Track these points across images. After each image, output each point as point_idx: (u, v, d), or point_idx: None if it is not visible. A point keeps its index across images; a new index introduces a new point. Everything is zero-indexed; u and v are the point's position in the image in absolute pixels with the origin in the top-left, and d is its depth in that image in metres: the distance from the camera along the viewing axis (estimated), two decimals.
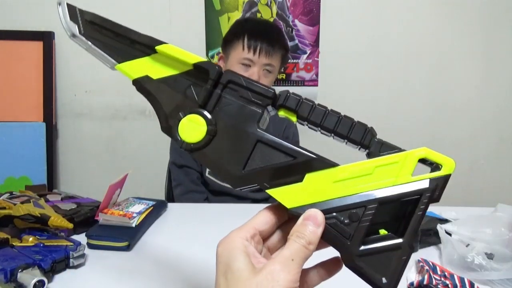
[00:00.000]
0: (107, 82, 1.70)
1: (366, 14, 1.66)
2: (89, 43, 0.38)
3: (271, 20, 1.66)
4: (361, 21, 1.67)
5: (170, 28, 1.65)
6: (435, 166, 0.33)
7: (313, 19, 1.66)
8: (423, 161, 0.33)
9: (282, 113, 0.36)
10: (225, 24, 1.64)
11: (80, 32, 0.38)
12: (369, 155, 0.34)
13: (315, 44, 1.68)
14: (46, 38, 1.65)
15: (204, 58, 0.36)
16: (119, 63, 0.38)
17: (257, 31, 1.14)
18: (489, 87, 1.69)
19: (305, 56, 1.69)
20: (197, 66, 0.36)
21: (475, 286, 0.57)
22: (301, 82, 1.70)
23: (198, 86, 0.36)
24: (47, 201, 0.81)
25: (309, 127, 0.36)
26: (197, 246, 0.73)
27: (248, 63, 1.14)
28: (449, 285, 0.57)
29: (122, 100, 1.71)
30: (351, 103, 1.69)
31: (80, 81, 1.70)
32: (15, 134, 1.65)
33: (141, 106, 1.72)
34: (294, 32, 1.67)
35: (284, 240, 0.36)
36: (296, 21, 1.66)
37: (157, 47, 0.36)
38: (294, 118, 0.36)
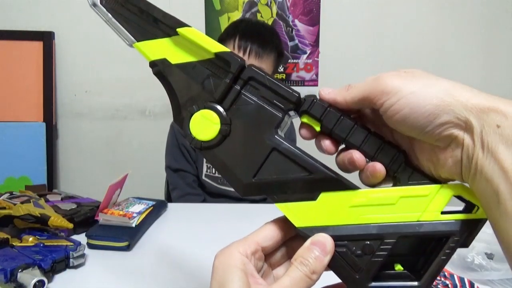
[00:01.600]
0: (107, 82, 1.70)
1: (366, 14, 1.66)
2: (109, 15, 0.35)
3: (271, 20, 1.66)
4: (361, 21, 1.67)
5: None
6: (469, 206, 0.29)
7: (313, 19, 1.66)
8: (458, 197, 0.30)
9: (305, 120, 0.33)
10: (225, 24, 1.63)
11: (101, 2, 0.35)
12: (396, 183, 0.31)
13: (315, 44, 1.68)
14: (46, 38, 1.65)
15: (227, 48, 0.33)
16: (138, 41, 0.35)
17: (249, 32, 1.12)
18: (489, 86, 1.69)
19: (305, 56, 1.69)
20: (219, 56, 0.33)
21: (475, 286, 0.57)
22: (301, 82, 1.70)
23: (218, 78, 0.33)
24: (47, 201, 0.81)
25: (332, 138, 0.33)
26: (197, 246, 0.73)
27: None
28: (449, 285, 0.57)
29: (122, 100, 1.71)
30: None
31: (80, 81, 1.70)
32: (15, 134, 1.65)
33: (141, 106, 1.72)
34: (294, 32, 1.67)
35: (288, 256, 0.34)
36: (296, 21, 1.66)
37: (179, 30, 0.33)
38: (318, 127, 0.33)
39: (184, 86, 0.34)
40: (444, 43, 1.67)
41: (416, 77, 0.29)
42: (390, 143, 0.31)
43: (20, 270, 0.56)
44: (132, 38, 0.35)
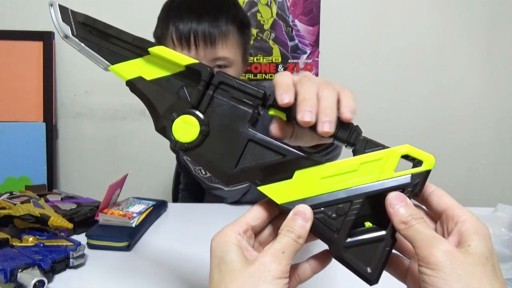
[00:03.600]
0: (107, 82, 1.70)
1: (366, 14, 1.66)
2: (82, 44, 0.38)
3: (271, 20, 1.66)
4: (361, 21, 1.67)
5: None
6: (416, 162, 0.35)
7: (313, 19, 1.66)
8: (406, 157, 0.35)
9: (272, 113, 0.37)
10: None
11: (72, 34, 0.38)
12: (355, 152, 0.36)
13: (315, 44, 1.68)
14: (46, 38, 1.64)
15: (195, 60, 0.37)
16: (112, 64, 0.38)
17: (186, 11, 0.77)
18: (490, 87, 1.69)
19: (305, 56, 1.69)
20: (189, 68, 0.37)
21: None
22: None
23: (191, 87, 0.37)
24: (47, 201, 0.81)
25: (298, 125, 0.37)
26: (197, 246, 0.72)
27: None
28: None
29: (122, 100, 1.71)
30: None
31: (80, 81, 1.70)
32: (15, 134, 1.65)
33: (141, 106, 1.69)
34: (294, 32, 1.67)
35: (275, 234, 0.37)
36: (296, 21, 1.66)
37: (150, 49, 0.37)
38: (284, 117, 0.37)
39: (161, 98, 0.38)
40: (445, 43, 1.67)
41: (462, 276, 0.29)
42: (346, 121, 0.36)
43: (20, 270, 0.56)
44: (107, 63, 0.38)
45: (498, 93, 1.70)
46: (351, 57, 1.69)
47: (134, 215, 0.77)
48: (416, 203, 0.36)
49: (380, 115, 1.69)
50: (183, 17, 0.76)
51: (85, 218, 0.78)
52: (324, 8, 1.65)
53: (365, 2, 1.65)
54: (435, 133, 1.72)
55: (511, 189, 1.74)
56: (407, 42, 1.67)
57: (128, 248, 0.72)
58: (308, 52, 1.69)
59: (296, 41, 1.68)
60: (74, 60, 1.69)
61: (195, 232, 0.80)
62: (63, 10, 0.39)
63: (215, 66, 0.81)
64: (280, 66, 1.69)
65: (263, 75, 1.68)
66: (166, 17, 0.79)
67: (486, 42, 1.67)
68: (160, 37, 0.82)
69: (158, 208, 0.87)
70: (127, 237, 0.72)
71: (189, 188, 1.21)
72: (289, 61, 1.69)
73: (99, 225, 0.76)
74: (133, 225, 0.75)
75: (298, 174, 0.35)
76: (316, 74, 1.70)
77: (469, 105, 1.70)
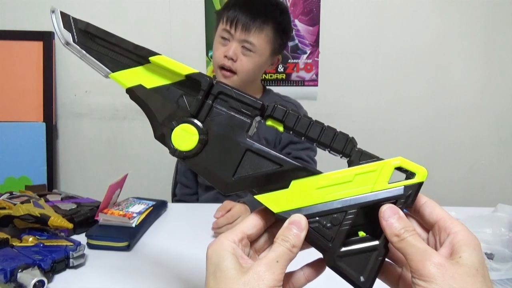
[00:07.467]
0: (107, 82, 1.70)
1: (366, 14, 1.66)
2: (83, 51, 0.39)
3: None
4: (361, 21, 1.67)
5: (170, 28, 1.65)
6: (409, 174, 0.35)
7: (313, 19, 1.66)
8: (399, 169, 0.35)
9: (269, 123, 0.38)
10: None
11: (74, 40, 0.39)
12: (350, 164, 0.36)
13: (315, 44, 1.68)
14: (46, 38, 1.65)
15: (195, 70, 0.37)
16: (113, 72, 0.39)
17: (240, 3, 1.04)
18: (490, 88, 1.69)
19: (305, 56, 1.69)
20: (189, 77, 0.37)
21: None
22: (301, 82, 1.70)
23: (190, 96, 0.37)
24: (47, 201, 0.81)
25: (294, 136, 0.38)
26: (196, 246, 0.72)
27: (227, 37, 1.04)
28: None
29: (122, 100, 1.71)
30: (351, 103, 1.69)
31: (80, 81, 1.70)
32: (15, 134, 1.65)
33: None
34: (294, 32, 1.67)
35: (270, 242, 0.38)
36: (296, 21, 1.66)
37: (150, 58, 0.37)
38: (281, 128, 0.38)
39: (161, 107, 0.38)
40: (444, 43, 1.67)
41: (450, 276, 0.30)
42: (341, 132, 0.36)
43: (20, 270, 0.56)
44: (107, 70, 0.39)
45: (498, 93, 1.69)
46: (351, 57, 1.69)
47: (134, 215, 0.77)
48: (408, 212, 0.37)
49: (380, 115, 1.69)
50: (235, 7, 1.02)
51: (85, 218, 0.78)
52: (324, 8, 1.65)
53: (365, 2, 1.65)
54: (435, 133, 1.72)
55: (511, 189, 1.74)
56: (407, 42, 1.67)
57: (128, 248, 0.72)
58: (308, 52, 1.69)
59: (296, 41, 1.68)
60: (74, 60, 1.68)
61: (195, 232, 0.80)
62: (65, 17, 0.39)
63: (242, 47, 1.03)
64: (280, 66, 1.69)
65: (263, 75, 1.68)
66: (228, 3, 1.07)
67: (485, 42, 1.67)
68: (218, 14, 1.10)
69: (158, 208, 0.87)
70: (127, 237, 0.72)
71: (183, 200, 1.22)
72: (289, 61, 1.69)
73: (99, 225, 0.76)
74: (133, 225, 0.75)
75: (294, 184, 0.36)
76: (316, 75, 1.70)
77: (469, 105, 1.70)
